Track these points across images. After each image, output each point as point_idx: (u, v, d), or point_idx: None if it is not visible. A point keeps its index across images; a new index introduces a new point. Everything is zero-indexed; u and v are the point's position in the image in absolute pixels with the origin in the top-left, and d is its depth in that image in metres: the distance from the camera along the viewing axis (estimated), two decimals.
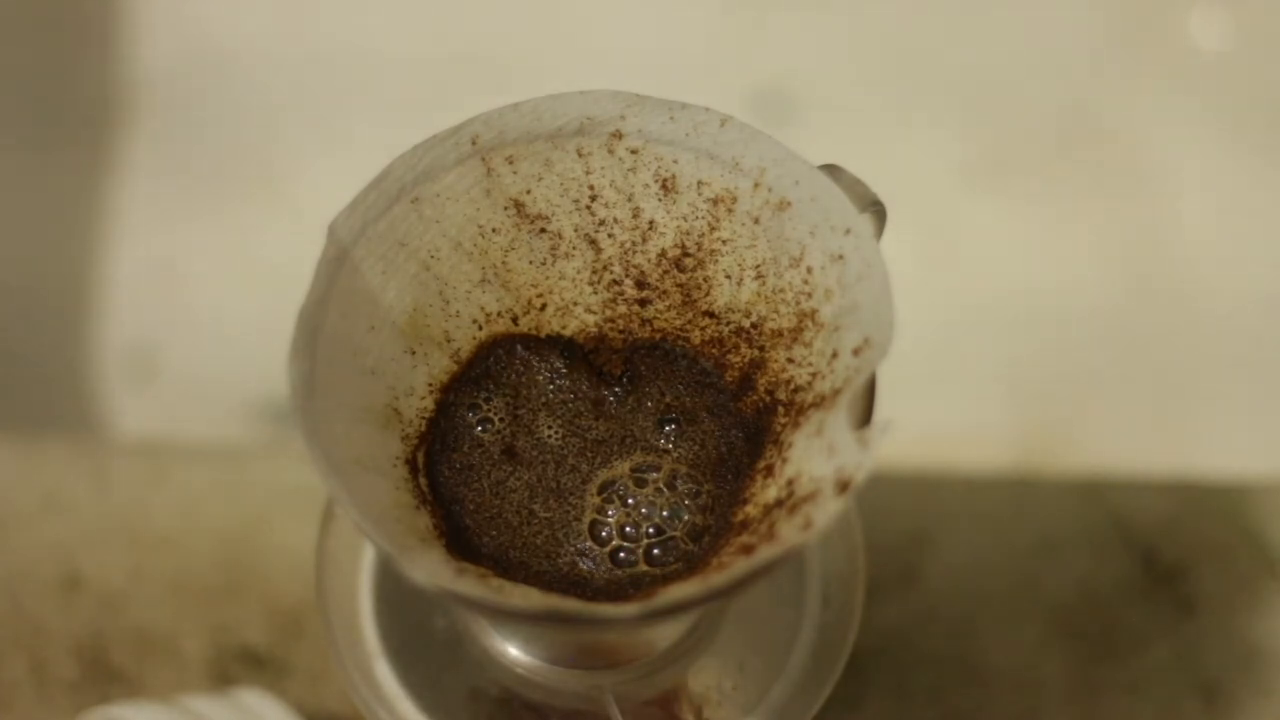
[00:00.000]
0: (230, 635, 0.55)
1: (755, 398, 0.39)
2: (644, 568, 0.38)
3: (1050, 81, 0.91)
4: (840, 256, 0.37)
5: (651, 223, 0.40)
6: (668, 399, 0.40)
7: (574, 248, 0.40)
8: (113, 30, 0.77)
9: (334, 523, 0.44)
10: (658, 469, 0.40)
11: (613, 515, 0.39)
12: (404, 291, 0.39)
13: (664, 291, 0.40)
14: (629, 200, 0.40)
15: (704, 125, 0.39)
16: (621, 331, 0.41)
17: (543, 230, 0.40)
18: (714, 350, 0.40)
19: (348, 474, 0.35)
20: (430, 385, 0.40)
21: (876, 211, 0.38)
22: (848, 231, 0.37)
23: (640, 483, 0.39)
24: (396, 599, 0.44)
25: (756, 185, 0.38)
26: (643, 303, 0.40)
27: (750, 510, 0.37)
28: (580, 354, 0.41)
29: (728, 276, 0.39)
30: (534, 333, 0.41)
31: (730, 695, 0.43)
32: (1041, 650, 0.56)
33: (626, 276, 0.40)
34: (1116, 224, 0.87)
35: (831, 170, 0.38)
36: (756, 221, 0.39)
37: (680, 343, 0.41)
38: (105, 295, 0.71)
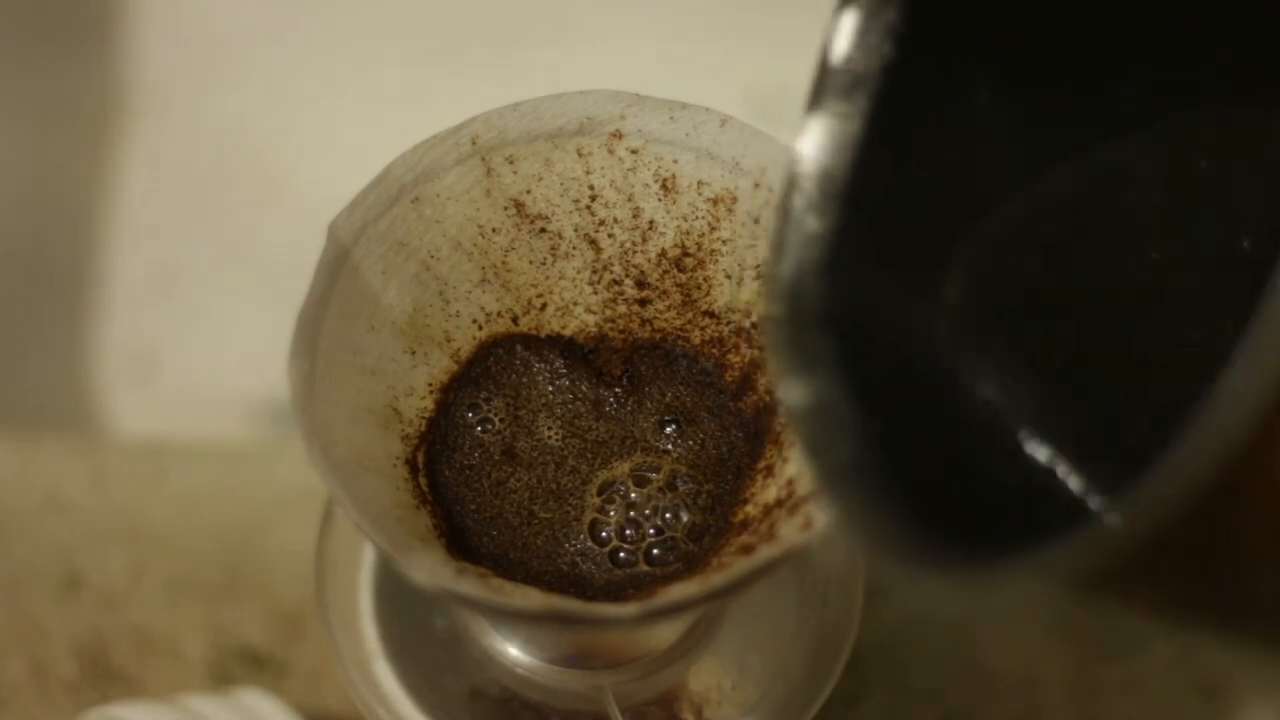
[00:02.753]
0: (230, 635, 0.55)
1: (755, 398, 0.39)
2: (644, 568, 0.38)
3: None
4: None
5: (651, 223, 0.40)
6: (668, 399, 0.40)
7: (574, 248, 0.40)
8: (112, 29, 0.76)
9: (334, 523, 0.44)
10: (658, 469, 0.40)
11: (613, 515, 0.39)
12: (404, 291, 0.39)
13: (664, 291, 0.40)
14: (629, 200, 0.40)
15: (704, 125, 0.39)
16: (621, 331, 0.41)
17: (543, 230, 0.40)
18: (714, 350, 0.40)
19: (348, 474, 0.35)
20: (430, 385, 0.40)
21: None
22: None
23: (640, 483, 0.39)
24: (396, 599, 0.44)
25: (757, 185, 0.38)
26: (643, 303, 0.40)
27: (750, 510, 0.37)
28: (580, 354, 0.41)
29: (728, 276, 0.39)
30: (534, 333, 0.41)
31: (730, 695, 0.43)
32: (1041, 650, 0.56)
33: (626, 276, 0.40)
34: None
35: None
36: (757, 221, 0.39)
37: (680, 343, 0.41)
38: (105, 295, 0.71)
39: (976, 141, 0.33)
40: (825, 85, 0.33)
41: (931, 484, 0.31)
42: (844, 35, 0.33)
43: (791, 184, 0.33)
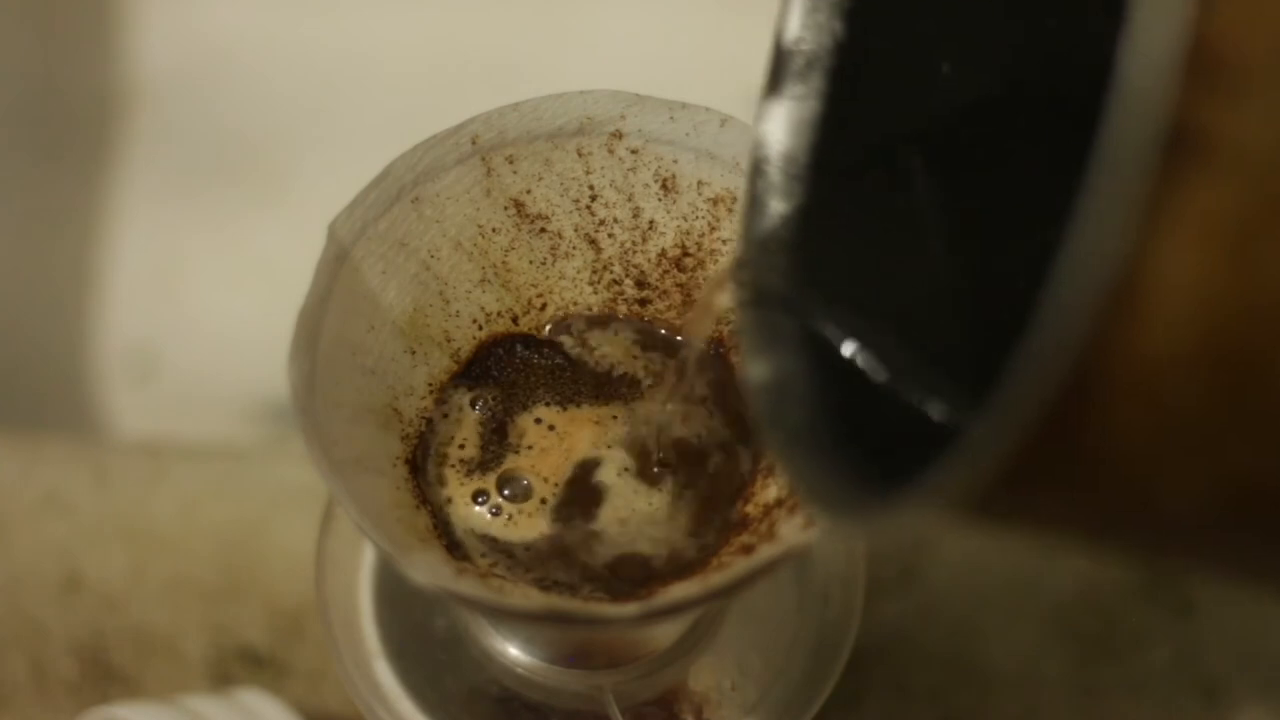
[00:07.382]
0: (230, 635, 0.55)
1: None
2: None
3: None
4: None
5: (651, 223, 0.40)
6: None
7: (574, 247, 0.40)
8: (111, 29, 0.76)
9: (334, 523, 0.44)
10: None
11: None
12: (404, 291, 0.39)
13: (664, 291, 0.40)
14: (629, 200, 0.40)
15: (704, 125, 0.39)
16: None
17: (543, 230, 0.40)
18: (714, 350, 0.40)
19: (348, 474, 0.35)
20: (430, 385, 0.40)
21: None
22: None
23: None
24: (396, 599, 0.44)
25: None
26: (643, 303, 0.40)
27: (750, 510, 0.37)
28: None
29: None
30: (534, 333, 0.41)
31: (730, 695, 0.43)
32: (1041, 650, 0.56)
33: (626, 276, 0.40)
34: None
35: None
36: None
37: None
38: (105, 295, 0.71)
39: (942, 114, 0.33)
40: (781, 68, 0.33)
41: (867, 437, 0.31)
42: (794, 17, 0.33)
43: (755, 168, 0.33)
